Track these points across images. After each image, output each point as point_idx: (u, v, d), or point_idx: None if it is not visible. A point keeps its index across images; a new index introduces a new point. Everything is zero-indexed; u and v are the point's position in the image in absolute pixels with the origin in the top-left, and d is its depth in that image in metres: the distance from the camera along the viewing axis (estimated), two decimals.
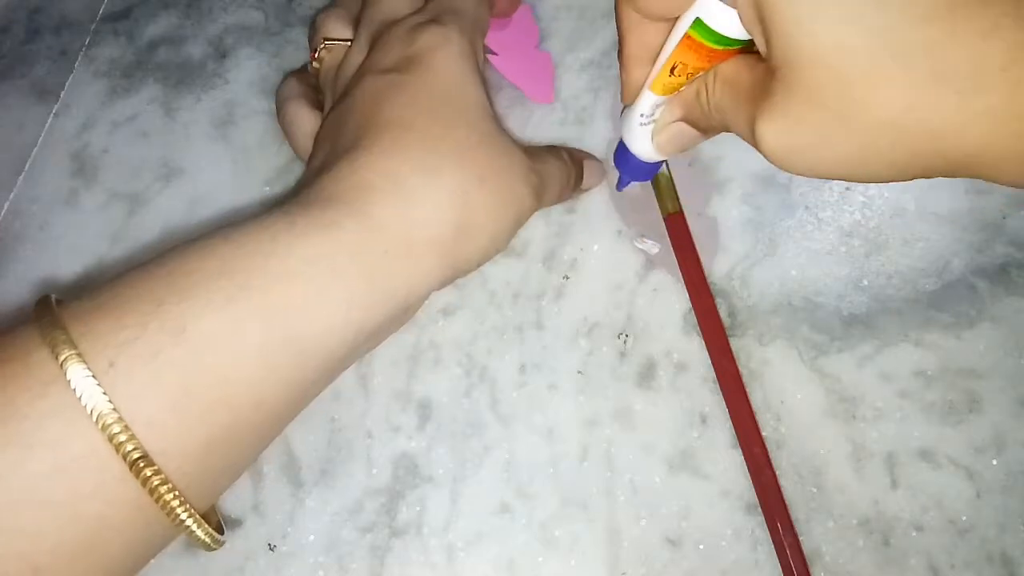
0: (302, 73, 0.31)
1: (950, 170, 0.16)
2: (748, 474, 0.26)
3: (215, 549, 0.20)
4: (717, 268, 0.29)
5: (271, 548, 0.27)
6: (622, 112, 0.25)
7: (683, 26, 0.20)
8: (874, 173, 0.17)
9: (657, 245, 0.29)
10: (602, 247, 0.30)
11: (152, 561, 0.27)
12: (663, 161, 0.27)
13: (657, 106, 0.23)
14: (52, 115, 0.35)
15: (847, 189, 0.30)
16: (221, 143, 0.34)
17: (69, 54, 0.36)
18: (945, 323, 0.27)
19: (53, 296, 0.19)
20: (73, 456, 0.17)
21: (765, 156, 0.18)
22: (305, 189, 0.22)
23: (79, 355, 0.17)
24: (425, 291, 0.23)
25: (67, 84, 0.36)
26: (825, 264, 0.29)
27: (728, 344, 0.27)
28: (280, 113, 0.29)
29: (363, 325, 0.21)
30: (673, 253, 0.29)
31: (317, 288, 0.20)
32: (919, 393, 0.27)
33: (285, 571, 0.27)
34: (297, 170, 0.32)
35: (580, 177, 0.29)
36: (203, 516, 0.19)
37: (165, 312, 0.18)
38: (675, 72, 0.22)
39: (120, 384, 0.17)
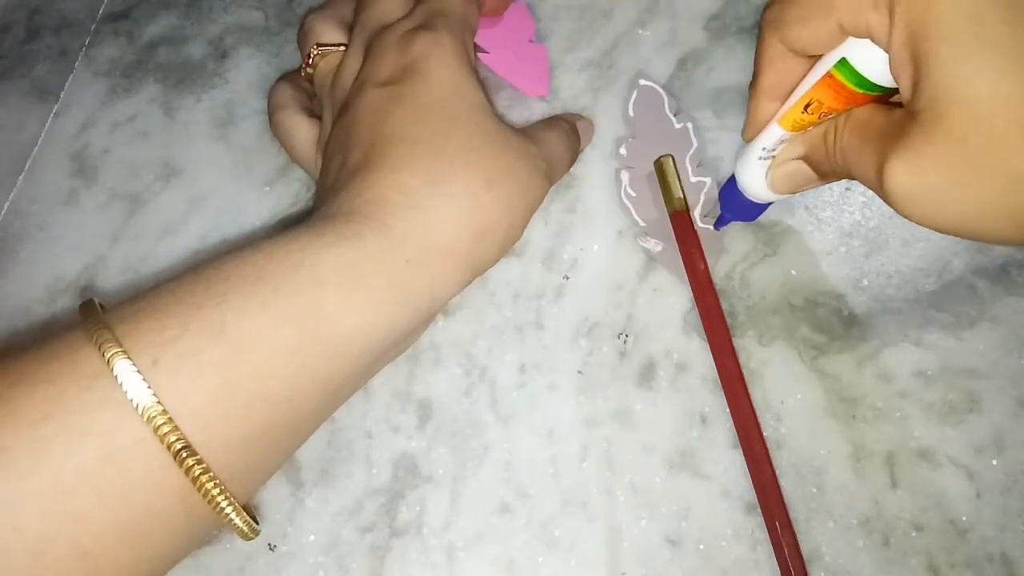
0: (293, 77, 0.31)
1: None
2: (748, 474, 0.26)
3: (252, 538, 0.21)
4: (718, 268, 0.29)
5: (271, 548, 0.27)
6: (738, 153, 0.25)
7: (827, 64, 0.20)
8: (997, 229, 0.17)
9: (660, 243, 0.29)
10: (602, 247, 0.30)
11: None
12: (767, 205, 0.26)
13: (781, 142, 0.23)
14: (52, 115, 0.35)
15: (847, 189, 0.30)
16: (221, 143, 0.34)
17: (69, 54, 0.36)
18: (945, 323, 0.27)
19: (96, 300, 0.20)
20: (120, 446, 0.18)
21: (889, 198, 0.18)
22: (325, 205, 0.23)
23: (124, 352, 0.18)
24: (447, 296, 0.24)
25: (67, 84, 0.36)
26: (825, 264, 0.29)
27: (731, 342, 0.27)
28: (273, 121, 0.30)
29: (389, 330, 0.22)
30: (675, 252, 0.29)
31: (344, 295, 0.21)
32: (919, 393, 0.27)
33: (285, 571, 0.27)
34: (297, 171, 0.32)
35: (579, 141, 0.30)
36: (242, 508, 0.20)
37: (205, 314, 0.19)
38: (809, 110, 0.21)
39: (163, 380, 0.18)
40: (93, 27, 0.37)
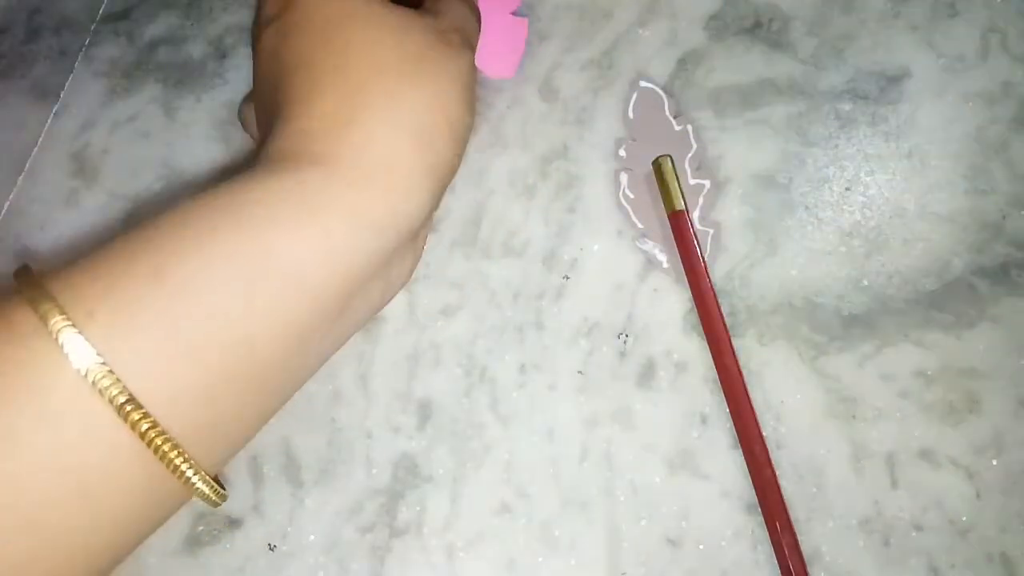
0: None
1: None
2: (748, 474, 0.26)
3: (219, 504, 0.20)
4: (717, 268, 0.29)
5: (271, 548, 0.27)
6: None
7: None
8: None
9: (658, 245, 0.29)
10: (602, 247, 0.30)
11: (152, 561, 0.27)
12: None
13: None
14: (52, 115, 0.35)
15: (847, 189, 0.30)
16: (221, 143, 0.34)
17: (69, 54, 0.36)
18: (945, 323, 0.27)
19: (31, 266, 0.19)
20: (57, 404, 0.17)
21: None
22: (256, 158, 0.23)
23: (57, 306, 0.17)
24: (416, 209, 0.22)
25: (67, 84, 0.36)
26: (825, 264, 0.29)
27: (730, 342, 0.27)
28: (240, 118, 0.30)
29: (351, 259, 0.21)
30: (674, 253, 0.29)
31: (287, 227, 0.20)
32: (919, 393, 0.27)
33: (285, 571, 0.27)
34: None
35: None
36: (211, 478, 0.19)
37: (138, 261, 0.19)
38: None
39: (100, 332, 0.17)
40: (93, 27, 0.37)
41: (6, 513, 0.17)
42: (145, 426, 0.17)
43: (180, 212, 0.20)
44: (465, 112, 0.24)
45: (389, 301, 0.25)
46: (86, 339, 0.17)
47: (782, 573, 0.25)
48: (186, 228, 0.19)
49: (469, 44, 0.25)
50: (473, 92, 0.24)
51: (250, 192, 0.20)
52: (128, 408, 0.17)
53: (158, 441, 0.18)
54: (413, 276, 0.30)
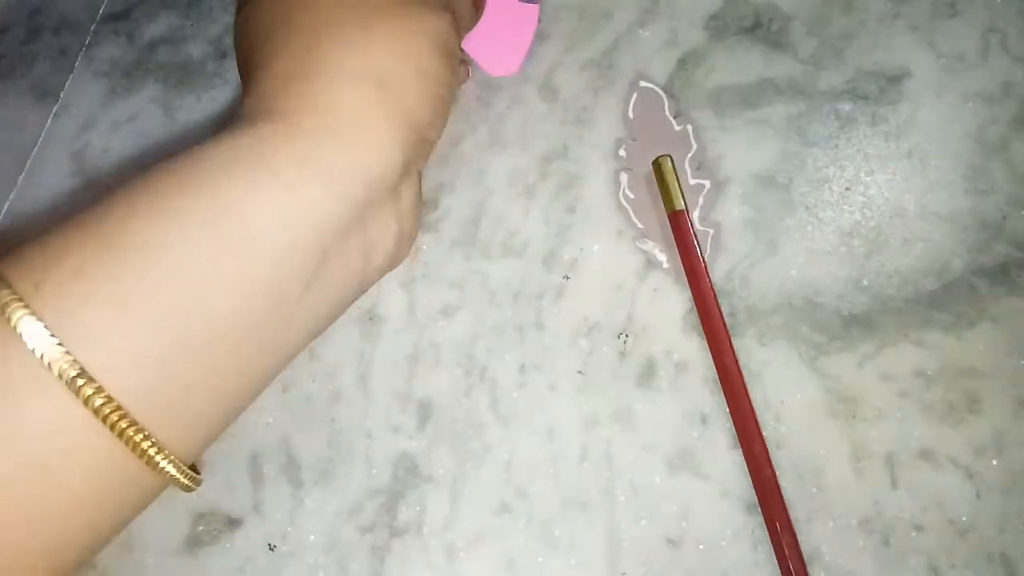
0: None
1: None
2: (748, 474, 0.26)
3: (191, 487, 0.19)
4: (717, 268, 0.29)
5: (271, 548, 0.27)
6: None
7: None
8: None
9: (658, 245, 0.29)
10: (602, 247, 0.30)
11: (152, 561, 0.27)
12: None
13: None
14: (52, 115, 0.35)
15: (847, 189, 0.30)
16: None
17: (69, 54, 0.36)
18: (945, 323, 0.27)
19: None
20: (5, 380, 0.16)
21: None
22: None
23: (4, 280, 0.17)
24: (383, 158, 0.21)
25: (67, 84, 0.36)
26: (825, 264, 0.29)
27: (730, 342, 0.27)
28: None
29: (318, 213, 0.20)
30: (674, 253, 0.29)
31: (241, 182, 0.19)
32: (919, 393, 0.27)
33: (285, 571, 0.27)
34: None
35: None
36: (187, 467, 0.18)
37: (87, 230, 0.18)
38: None
39: (48, 303, 0.17)
40: (93, 27, 0.37)
41: None
42: (99, 401, 0.16)
43: (133, 180, 0.19)
44: (439, 67, 0.23)
45: (378, 271, 0.24)
46: (33, 312, 0.16)
47: (782, 573, 0.25)
48: (138, 194, 0.19)
49: (447, 7, 0.24)
50: (449, 50, 0.23)
51: (203, 153, 0.19)
52: (80, 382, 0.16)
53: (114, 417, 0.17)
54: (412, 275, 0.30)
